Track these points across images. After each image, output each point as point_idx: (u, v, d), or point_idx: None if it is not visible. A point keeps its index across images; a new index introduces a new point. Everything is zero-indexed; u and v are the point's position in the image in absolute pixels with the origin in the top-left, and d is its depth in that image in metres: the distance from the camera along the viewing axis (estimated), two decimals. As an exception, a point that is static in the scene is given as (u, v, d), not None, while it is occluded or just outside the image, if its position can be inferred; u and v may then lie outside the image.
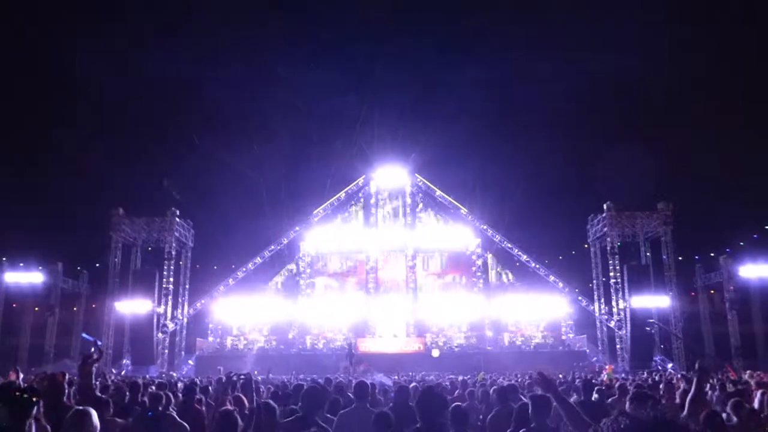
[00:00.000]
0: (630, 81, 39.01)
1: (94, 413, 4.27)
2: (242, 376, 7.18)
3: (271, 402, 6.07)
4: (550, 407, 5.26)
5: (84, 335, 11.01)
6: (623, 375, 24.92)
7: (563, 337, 36.14)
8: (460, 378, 15.49)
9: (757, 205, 35.07)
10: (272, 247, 37.87)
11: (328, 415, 6.23)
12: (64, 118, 42.07)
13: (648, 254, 34.90)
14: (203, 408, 7.78)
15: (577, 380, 11.63)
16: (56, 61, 42.26)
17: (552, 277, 36.89)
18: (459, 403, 5.86)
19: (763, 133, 36.87)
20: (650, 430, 1.51)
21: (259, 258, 37.59)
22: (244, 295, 36.58)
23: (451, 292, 37.56)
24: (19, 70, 40.97)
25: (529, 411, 5.27)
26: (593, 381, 12.07)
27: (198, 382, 12.13)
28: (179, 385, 13.15)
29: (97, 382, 10.57)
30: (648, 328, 31.75)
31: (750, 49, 37.93)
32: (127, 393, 8.38)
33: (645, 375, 21.04)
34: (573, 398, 8.70)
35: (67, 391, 6.43)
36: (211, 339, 36.35)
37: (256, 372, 26.64)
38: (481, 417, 8.11)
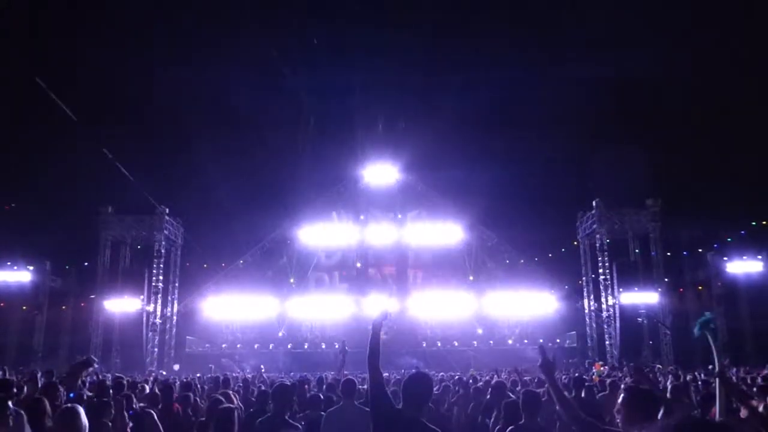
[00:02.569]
0: (619, 80, 39.10)
1: (82, 411, 4.28)
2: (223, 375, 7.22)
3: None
4: (540, 404, 5.30)
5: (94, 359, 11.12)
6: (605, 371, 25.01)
7: (553, 334, 36.30)
8: (456, 376, 15.54)
9: (745, 202, 35.33)
10: (262, 244, 37.80)
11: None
12: (52, 116, 41.70)
13: (637, 251, 35.12)
14: (183, 407, 7.79)
15: (564, 377, 11.69)
16: (46, 59, 41.88)
17: (541, 274, 37.06)
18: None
19: (751, 129, 37.11)
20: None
21: (249, 256, 37.51)
22: (234, 293, 36.47)
23: (440, 289, 37.58)
24: (8, 68, 40.56)
25: (520, 407, 5.30)
26: (583, 377, 12.15)
27: (173, 385, 12.05)
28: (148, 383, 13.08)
29: (87, 380, 10.54)
30: (639, 319, 32.13)
31: (742, 46, 38.14)
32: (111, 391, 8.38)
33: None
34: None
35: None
36: (200, 337, 36.24)
37: (248, 370, 26.66)
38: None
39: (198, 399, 9.37)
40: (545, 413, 6.46)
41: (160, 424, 6.46)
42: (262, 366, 29.36)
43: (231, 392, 8.64)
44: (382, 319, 4.29)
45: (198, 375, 19.87)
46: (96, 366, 10.31)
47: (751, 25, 37.07)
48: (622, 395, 3.82)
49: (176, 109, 41.03)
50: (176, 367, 31.97)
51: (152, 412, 6.62)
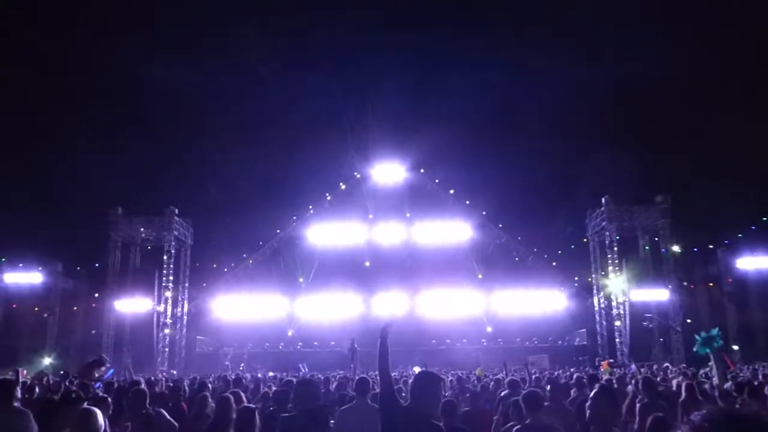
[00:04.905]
0: (627, 77, 38.96)
1: (99, 412, 4.34)
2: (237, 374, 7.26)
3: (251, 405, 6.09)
4: (542, 402, 5.33)
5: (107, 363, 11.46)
6: (616, 369, 24.94)
7: (562, 332, 36.20)
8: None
9: (756, 197, 35.10)
10: (271, 244, 37.90)
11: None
12: (62, 118, 42.00)
13: (647, 248, 34.95)
14: (200, 407, 7.83)
15: (576, 375, 11.69)
16: (54, 60, 42.19)
17: (551, 272, 36.93)
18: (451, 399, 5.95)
19: (761, 125, 36.86)
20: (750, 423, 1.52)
21: (258, 255, 37.62)
22: (243, 292, 36.59)
23: (449, 287, 37.48)
24: (15, 69, 40.90)
25: (522, 407, 5.32)
26: (596, 375, 12.19)
27: (184, 384, 12.14)
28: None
29: (101, 384, 10.65)
30: (645, 323, 31.99)
31: (749, 44, 37.93)
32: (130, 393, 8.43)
33: (645, 368, 21.09)
34: (574, 392, 8.76)
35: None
36: (210, 337, 36.37)
37: (257, 369, 26.77)
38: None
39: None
40: (556, 410, 6.48)
41: (175, 423, 6.51)
42: (242, 365, 29.27)
43: (241, 392, 8.68)
44: (389, 327, 4.35)
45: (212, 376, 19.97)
46: (108, 365, 10.42)
47: (758, 22, 36.83)
48: (594, 390, 3.94)
49: (185, 110, 41.24)
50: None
51: (164, 411, 6.68)
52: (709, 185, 35.23)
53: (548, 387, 8.40)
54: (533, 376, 11.38)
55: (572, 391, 8.57)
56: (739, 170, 37.09)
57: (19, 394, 6.11)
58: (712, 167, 36.80)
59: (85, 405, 4.88)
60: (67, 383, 11.10)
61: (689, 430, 1.57)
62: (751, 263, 33.17)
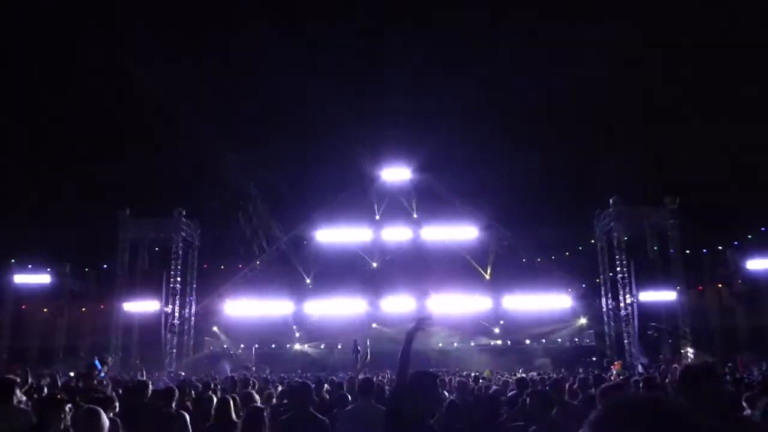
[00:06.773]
0: (634, 76, 38.84)
1: (102, 412, 4.33)
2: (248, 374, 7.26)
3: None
4: (552, 402, 5.31)
5: (96, 362, 11.53)
6: (625, 371, 24.85)
7: (570, 333, 36.04)
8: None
9: (765, 197, 34.82)
10: (278, 245, 37.92)
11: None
12: (69, 118, 42.20)
13: (655, 248, 34.72)
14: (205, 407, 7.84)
15: (582, 374, 11.66)
16: (60, 60, 42.39)
17: (558, 273, 36.77)
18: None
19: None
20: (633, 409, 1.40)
21: (265, 257, 37.64)
22: (251, 293, 36.60)
23: (456, 289, 37.35)
24: (23, 69, 41.12)
25: (528, 407, 5.30)
26: (602, 376, 12.13)
27: (187, 385, 12.14)
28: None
29: (108, 384, 10.68)
30: (649, 332, 31.89)
31: (758, 42, 37.66)
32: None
33: (653, 370, 21.01)
34: (581, 395, 8.72)
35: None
36: (218, 338, 36.43)
37: (268, 370, 26.79)
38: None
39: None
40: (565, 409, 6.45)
41: (190, 427, 6.50)
42: (253, 367, 29.20)
43: (253, 392, 8.68)
44: (416, 331, 4.26)
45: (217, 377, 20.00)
46: (110, 361, 10.48)
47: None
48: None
49: (192, 111, 41.27)
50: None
51: (185, 413, 6.67)
52: (717, 185, 35.03)
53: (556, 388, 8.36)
54: (540, 377, 11.35)
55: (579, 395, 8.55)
56: (747, 170, 36.89)
57: (19, 393, 6.12)
58: (720, 167, 36.58)
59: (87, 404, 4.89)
60: (80, 384, 11.16)
61: (587, 427, 1.43)
62: (760, 264, 32.93)
